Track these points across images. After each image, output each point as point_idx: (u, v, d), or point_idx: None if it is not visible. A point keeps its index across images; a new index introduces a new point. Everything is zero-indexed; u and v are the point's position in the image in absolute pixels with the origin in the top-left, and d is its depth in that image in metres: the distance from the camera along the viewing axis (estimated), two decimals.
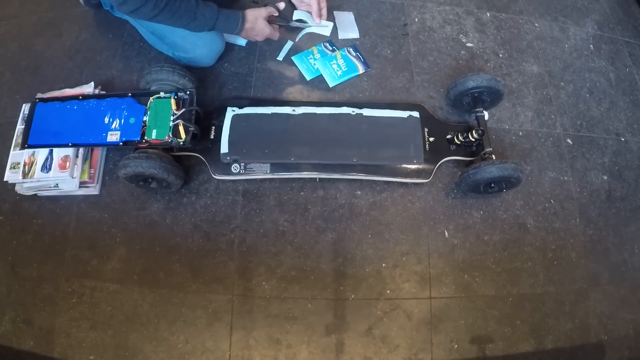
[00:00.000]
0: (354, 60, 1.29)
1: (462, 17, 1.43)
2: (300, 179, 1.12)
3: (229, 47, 1.25)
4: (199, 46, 1.12)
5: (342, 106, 1.13)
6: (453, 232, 1.12)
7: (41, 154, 1.04)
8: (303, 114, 1.11)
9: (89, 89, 1.15)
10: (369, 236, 1.09)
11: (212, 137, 1.08)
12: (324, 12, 1.15)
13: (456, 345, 1.03)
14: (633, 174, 1.28)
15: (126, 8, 0.92)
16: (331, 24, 1.16)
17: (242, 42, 1.29)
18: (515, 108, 1.30)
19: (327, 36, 1.23)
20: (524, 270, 1.11)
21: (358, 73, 1.27)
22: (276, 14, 1.13)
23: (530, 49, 1.42)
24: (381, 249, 1.08)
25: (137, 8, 0.91)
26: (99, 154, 1.11)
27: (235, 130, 1.08)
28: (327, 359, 0.99)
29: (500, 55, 1.38)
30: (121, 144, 1.01)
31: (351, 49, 1.31)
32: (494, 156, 1.08)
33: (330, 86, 1.25)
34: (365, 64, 1.29)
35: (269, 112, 1.11)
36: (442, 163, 1.12)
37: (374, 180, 1.13)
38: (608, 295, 1.13)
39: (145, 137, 1.01)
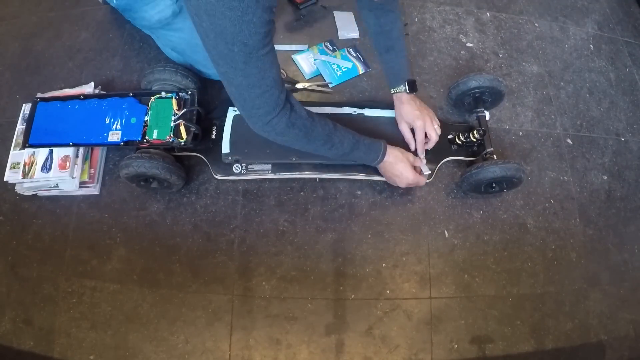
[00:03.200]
0: (354, 60, 1.29)
1: (462, 17, 1.44)
2: (300, 179, 1.12)
3: None
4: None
5: (343, 106, 1.13)
6: (453, 232, 1.12)
7: (41, 154, 1.04)
8: None
9: (89, 89, 1.15)
10: (369, 236, 1.09)
11: (213, 137, 1.08)
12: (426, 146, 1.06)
13: (456, 345, 1.03)
14: (633, 174, 1.28)
15: (268, 129, 0.82)
16: (428, 172, 1.06)
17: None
18: (515, 108, 1.30)
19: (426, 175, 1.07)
20: (524, 270, 1.11)
21: (358, 73, 1.27)
22: (427, 172, 1.03)
23: (530, 49, 1.42)
24: (381, 249, 1.08)
25: (289, 141, 0.84)
26: (99, 154, 1.11)
27: (237, 131, 1.08)
28: (327, 359, 0.99)
29: (500, 55, 1.38)
30: (122, 143, 1.01)
31: (351, 49, 1.31)
32: (495, 156, 1.08)
33: (330, 86, 1.25)
34: (365, 64, 1.29)
35: None
36: (442, 163, 1.12)
37: (373, 180, 1.13)
38: (608, 295, 1.13)
39: (147, 137, 1.01)
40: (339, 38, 1.33)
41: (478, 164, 1.04)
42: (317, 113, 0.86)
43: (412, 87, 1.03)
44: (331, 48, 1.31)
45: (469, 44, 1.38)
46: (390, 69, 1.04)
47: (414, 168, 1.01)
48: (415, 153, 1.06)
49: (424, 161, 1.06)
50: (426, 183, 1.12)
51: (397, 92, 1.04)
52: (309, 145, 0.87)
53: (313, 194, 1.12)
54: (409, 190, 1.14)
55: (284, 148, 1.07)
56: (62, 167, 1.03)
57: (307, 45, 1.30)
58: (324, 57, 1.28)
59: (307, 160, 1.07)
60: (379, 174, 1.09)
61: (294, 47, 1.29)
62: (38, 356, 0.97)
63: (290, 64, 1.27)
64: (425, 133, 1.04)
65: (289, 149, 1.07)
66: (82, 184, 1.07)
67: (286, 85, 1.06)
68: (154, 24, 1.05)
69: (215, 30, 0.63)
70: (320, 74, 1.26)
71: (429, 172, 1.07)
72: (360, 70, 1.28)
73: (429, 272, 1.08)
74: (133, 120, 1.03)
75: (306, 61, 1.27)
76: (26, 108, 1.11)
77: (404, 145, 1.08)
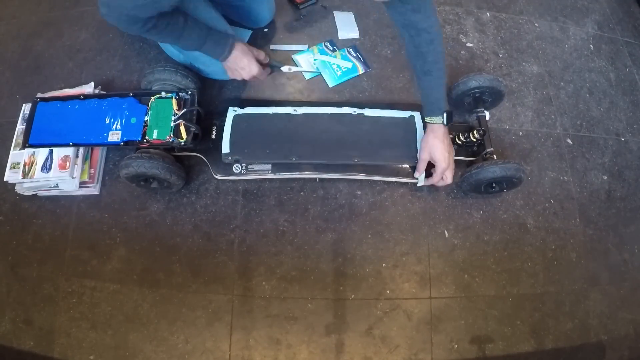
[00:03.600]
0: (354, 60, 1.29)
1: (462, 17, 1.43)
2: (300, 179, 1.12)
3: None
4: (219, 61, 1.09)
5: (343, 106, 1.13)
6: (453, 232, 1.12)
7: (41, 154, 1.04)
8: (304, 114, 1.11)
9: (89, 89, 1.15)
10: (369, 236, 1.09)
11: (213, 137, 1.08)
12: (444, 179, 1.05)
13: (456, 345, 1.03)
14: (633, 174, 1.28)
15: (118, 27, 0.89)
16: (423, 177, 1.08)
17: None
18: (515, 108, 1.30)
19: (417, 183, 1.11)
20: (524, 270, 1.11)
21: (358, 73, 1.28)
22: (266, 60, 1.07)
23: (530, 49, 1.42)
24: (381, 249, 1.08)
25: (126, 28, 0.88)
26: (99, 154, 1.11)
27: (237, 130, 1.08)
28: (327, 359, 0.99)
29: (500, 55, 1.38)
30: (122, 143, 1.01)
31: (351, 49, 1.31)
32: (495, 156, 1.08)
33: (330, 86, 1.25)
34: (365, 64, 1.29)
35: (270, 112, 1.11)
36: None
37: (374, 180, 1.13)
38: (608, 295, 1.13)
39: (147, 137, 1.01)
40: (339, 38, 1.33)
41: (478, 164, 1.04)
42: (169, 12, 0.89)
43: (450, 119, 0.99)
44: (331, 48, 1.31)
45: (469, 44, 1.38)
46: (427, 96, 1.00)
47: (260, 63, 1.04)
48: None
49: (422, 175, 1.07)
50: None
51: (433, 123, 0.99)
52: (160, 37, 0.98)
53: (313, 194, 1.12)
54: (409, 190, 1.14)
55: (284, 148, 1.08)
56: (62, 167, 1.03)
57: (307, 45, 1.30)
58: (324, 57, 1.28)
59: (307, 160, 1.07)
60: (380, 174, 1.10)
61: (294, 47, 1.29)
62: (38, 356, 0.97)
63: (290, 64, 1.27)
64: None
65: (289, 149, 1.07)
66: (82, 184, 1.07)
67: (273, 66, 1.10)
68: None
69: None
70: (320, 74, 1.26)
71: (422, 182, 1.09)
72: (361, 70, 1.28)
73: (429, 272, 1.08)
74: (133, 120, 1.03)
75: (306, 61, 1.27)
76: (26, 108, 1.11)
77: (404, 148, 1.09)
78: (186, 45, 0.97)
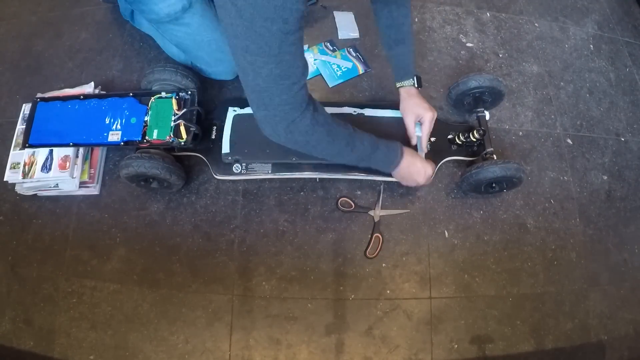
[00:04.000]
0: (354, 60, 1.29)
1: (462, 17, 1.44)
2: (300, 179, 1.12)
3: None
4: (223, 62, 1.10)
5: (343, 106, 1.13)
6: (453, 232, 1.12)
7: (41, 154, 1.04)
8: None
9: (89, 89, 1.15)
10: (369, 236, 1.09)
11: (213, 137, 1.08)
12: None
13: (456, 345, 1.03)
14: (633, 174, 1.28)
15: (292, 129, 0.76)
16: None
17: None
18: (515, 108, 1.30)
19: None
20: (524, 270, 1.11)
21: (358, 73, 1.28)
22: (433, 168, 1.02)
23: (530, 49, 1.42)
24: (381, 249, 1.08)
25: (304, 144, 0.79)
26: (99, 154, 1.11)
27: (237, 130, 1.08)
28: (327, 359, 0.99)
29: (500, 55, 1.38)
30: (122, 143, 1.01)
31: (351, 49, 1.31)
32: (495, 156, 1.08)
33: (330, 86, 1.25)
34: (365, 64, 1.29)
35: None
36: (442, 163, 1.12)
37: (373, 180, 1.13)
38: (608, 295, 1.13)
39: (147, 137, 1.01)
40: (339, 38, 1.33)
41: (478, 164, 1.04)
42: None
43: (420, 83, 1.04)
44: (331, 48, 1.31)
45: (469, 44, 1.38)
46: (400, 62, 1.03)
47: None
48: (415, 148, 1.06)
49: (424, 152, 1.07)
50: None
51: (404, 86, 1.04)
52: (332, 146, 0.80)
53: (313, 194, 1.12)
54: (408, 190, 1.14)
55: (284, 148, 1.07)
56: (62, 167, 1.03)
57: (307, 46, 1.30)
58: (324, 57, 1.28)
59: (307, 160, 1.07)
60: (379, 174, 1.09)
61: None
62: (38, 356, 0.97)
63: None
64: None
65: (288, 149, 1.07)
66: (82, 184, 1.07)
67: None
68: (163, 17, 1.05)
69: (255, 5, 0.56)
70: (320, 74, 1.26)
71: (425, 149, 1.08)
72: (361, 70, 1.28)
73: (429, 272, 1.08)
74: (133, 120, 1.03)
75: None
76: (26, 108, 1.11)
77: (405, 140, 1.07)
78: (358, 157, 0.86)
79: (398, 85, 1.04)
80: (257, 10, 0.57)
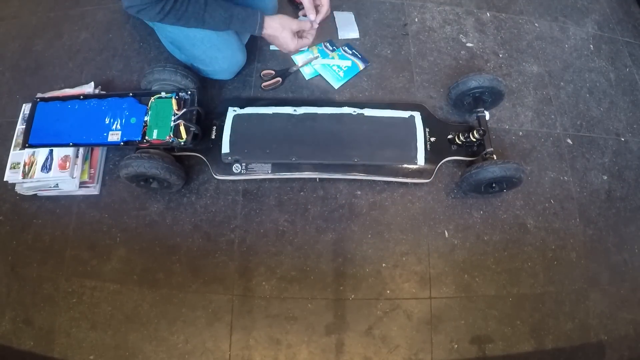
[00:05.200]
0: (352, 57, 1.29)
1: (462, 17, 1.44)
2: (300, 179, 1.12)
3: None
4: (218, 60, 1.09)
5: (343, 106, 1.13)
6: (453, 232, 1.12)
7: (41, 154, 1.04)
8: (304, 113, 1.11)
9: (89, 89, 1.15)
10: (369, 236, 1.09)
11: (213, 137, 1.08)
12: (322, 10, 1.06)
13: (456, 345, 1.03)
14: (633, 174, 1.28)
15: (132, 10, 0.91)
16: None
17: None
18: (515, 108, 1.30)
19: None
20: (524, 270, 1.11)
21: (359, 70, 1.27)
22: (309, 26, 1.08)
23: (530, 49, 1.42)
24: (381, 249, 1.08)
25: (142, 9, 0.90)
26: (99, 154, 1.11)
27: (237, 130, 1.08)
28: (327, 359, 0.99)
29: (500, 55, 1.38)
30: (122, 143, 1.01)
31: (346, 48, 1.31)
32: (494, 156, 1.08)
33: (336, 88, 1.24)
34: (363, 59, 1.29)
35: (270, 112, 1.11)
36: (442, 163, 1.12)
37: (373, 180, 1.13)
38: (608, 295, 1.13)
39: (146, 137, 1.01)
40: (339, 38, 1.33)
41: (478, 164, 1.04)
42: None
43: None
44: (330, 48, 1.31)
45: (469, 44, 1.38)
46: None
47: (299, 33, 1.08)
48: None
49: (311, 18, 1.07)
50: (426, 183, 1.13)
51: None
52: (184, 24, 0.96)
53: (313, 194, 1.12)
54: (409, 190, 1.14)
55: (284, 148, 1.08)
56: (62, 167, 1.03)
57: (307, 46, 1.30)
58: (323, 61, 1.28)
59: (307, 160, 1.07)
60: (380, 174, 1.10)
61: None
62: (38, 356, 0.97)
63: (291, 64, 1.27)
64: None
65: (289, 149, 1.08)
66: (82, 184, 1.07)
67: (280, 72, 1.13)
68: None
69: None
70: (320, 75, 1.26)
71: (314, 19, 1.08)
72: (360, 66, 1.28)
73: (429, 272, 1.08)
74: (133, 120, 1.03)
75: (304, 60, 1.27)
76: (26, 108, 1.11)
77: (404, 148, 1.09)
78: (213, 25, 0.98)
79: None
80: None
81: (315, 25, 1.09)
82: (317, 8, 1.07)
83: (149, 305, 1.01)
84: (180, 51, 1.15)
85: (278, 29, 1.04)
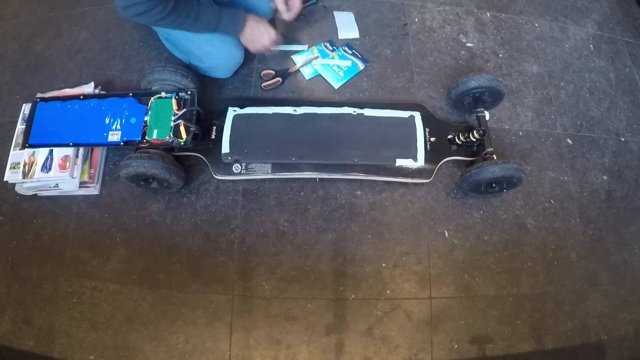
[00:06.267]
0: (352, 57, 1.29)
1: (462, 17, 1.44)
2: (300, 179, 1.12)
3: None
4: (213, 55, 1.10)
5: (343, 106, 1.13)
6: (453, 232, 1.12)
7: (41, 154, 1.04)
8: (304, 113, 1.11)
9: (89, 89, 1.15)
10: (369, 236, 1.09)
11: (213, 137, 1.08)
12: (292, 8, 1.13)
13: (456, 345, 1.03)
14: (633, 174, 1.28)
15: (129, 13, 0.91)
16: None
17: None
18: (515, 108, 1.30)
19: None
20: (524, 270, 1.11)
21: (359, 69, 1.27)
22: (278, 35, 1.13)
23: (530, 49, 1.42)
24: (381, 249, 1.08)
25: (141, 13, 0.91)
26: (99, 154, 1.11)
27: (236, 130, 1.08)
28: (327, 359, 0.99)
29: (500, 55, 1.38)
30: (122, 143, 1.01)
31: (346, 47, 1.31)
32: (494, 156, 1.08)
33: (336, 88, 1.24)
34: (363, 59, 1.29)
35: (270, 112, 1.11)
36: (442, 163, 1.12)
37: (373, 180, 1.13)
38: (608, 295, 1.13)
39: (146, 137, 1.01)
40: (339, 38, 1.33)
41: (478, 164, 1.04)
42: None
43: None
44: (330, 48, 1.31)
45: (469, 44, 1.38)
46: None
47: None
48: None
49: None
50: (426, 183, 1.13)
51: None
52: (177, 25, 0.98)
53: (313, 194, 1.12)
54: (409, 190, 1.14)
55: (284, 148, 1.08)
56: (62, 167, 1.03)
57: (307, 46, 1.30)
58: (323, 61, 1.28)
59: (307, 160, 1.07)
60: (380, 174, 1.09)
61: (294, 47, 1.29)
62: (38, 356, 0.97)
63: (290, 65, 1.27)
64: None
65: (289, 149, 1.08)
66: (82, 184, 1.07)
67: (280, 72, 1.15)
68: None
69: None
70: (320, 75, 1.26)
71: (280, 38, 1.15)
72: (360, 66, 1.28)
73: (429, 272, 1.08)
74: (133, 120, 1.03)
75: (304, 60, 1.27)
76: (26, 108, 1.11)
77: (404, 148, 1.09)
78: (204, 25, 1.01)
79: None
80: None
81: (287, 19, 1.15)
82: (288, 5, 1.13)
83: (149, 305, 1.01)
84: (176, 48, 1.15)
85: (259, 20, 1.09)
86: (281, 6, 1.12)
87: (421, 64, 1.32)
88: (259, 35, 1.09)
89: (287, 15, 1.13)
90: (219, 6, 1.03)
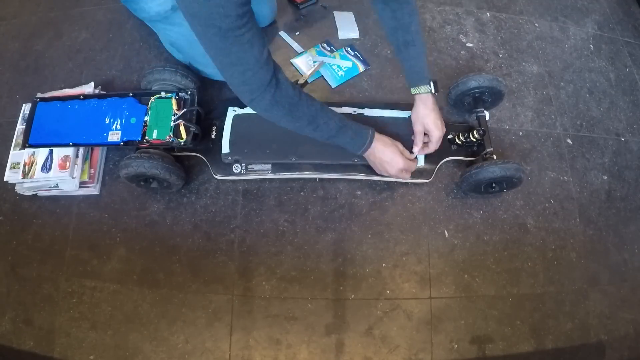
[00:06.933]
0: (353, 59, 1.29)
1: (462, 17, 1.43)
2: (300, 179, 1.12)
3: None
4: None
5: (343, 106, 1.13)
6: (453, 232, 1.12)
7: (41, 154, 1.04)
8: None
9: (89, 89, 1.15)
10: (369, 236, 1.09)
11: (213, 137, 1.08)
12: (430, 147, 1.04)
13: (456, 345, 1.03)
14: (633, 174, 1.28)
15: (268, 115, 0.83)
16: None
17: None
18: (515, 108, 1.30)
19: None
20: (524, 270, 1.11)
21: (359, 71, 1.27)
22: (413, 157, 1.03)
23: (530, 49, 1.42)
24: (381, 249, 1.08)
25: (268, 115, 0.83)
26: (99, 154, 1.11)
27: (236, 130, 1.08)
28: (327, 359, 0.99)
29: (500, 55, 1.38)
30: (122, 143, 1.01)
31: (349, 48, 1.31)
32: (494, 156, 1.08)
33: (333, 87, 1.24)
34: (364, 62, 1.29)
35: None
36: (442, 163, 1.12)
37: (373, 180, 1.13)
38: (608, 295, 1.13)
39: (146, 137, 1.01)
40: (339, 38, 1.33)
41: (478, 164, 1.04)
42: (308, 94, 0.85)
43: (436, 88, 0.99)
44: (328, 48, 1.30)
45: (469, 44, 1.38)
46: (412, 66, 0.97)
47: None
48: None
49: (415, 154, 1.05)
50: (426, 183, 1.13)
51: (420, 93, 0.99)
52: (293, 123, 0.86)
53: (313, 194, 1.12)
54: (409, 190, 1.14)
55: (284, 148, 1.08)
56: (62, 167, 1.03)
57: (304, 49, 1.30)
58: (323, 59, 1.28)
59: (307, 160, 1.07)
60: (379, 174, 1.09)
61: (293, 47, 1.29)
62: (38, 356, 0.97)
63: (289, 66, 1.27)
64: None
65: (289, 149, 1.07)
66: (82, 184, 1.07)
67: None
68: (153, 16, 1.05)
69: (194, 15, 0.67)
70: (322, 76, 1.26)
71: (421, 164, 1.08)
72: (361, 68, 1.28)
73: (429, 272, 1.08)
74: (133, 120, 1.03)
75: (305, 63, 1.27)
76: (26, 108, 1.11)
77: (405, 139, 1.07)
78: (321, 134, 0.88)
79: (414, 91, 0.99)
80: (195, 19, 0.68)
81: (414, 157, 1.04)
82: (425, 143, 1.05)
83: (149, 305, 1.01)
84: (180, 53, 1.14)
85: (388, 142, 0.97)
86: (418, 138, 1.02)
87: None
88: (385, 164, 0.97)
89: (416, 149, 1.04)
90: (343, 116, 0.90)
